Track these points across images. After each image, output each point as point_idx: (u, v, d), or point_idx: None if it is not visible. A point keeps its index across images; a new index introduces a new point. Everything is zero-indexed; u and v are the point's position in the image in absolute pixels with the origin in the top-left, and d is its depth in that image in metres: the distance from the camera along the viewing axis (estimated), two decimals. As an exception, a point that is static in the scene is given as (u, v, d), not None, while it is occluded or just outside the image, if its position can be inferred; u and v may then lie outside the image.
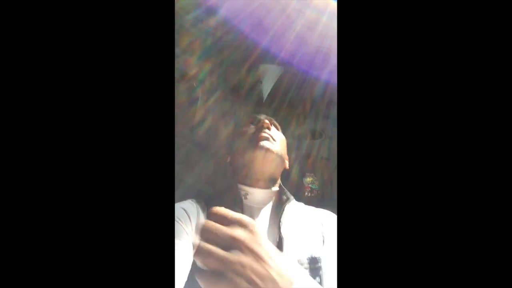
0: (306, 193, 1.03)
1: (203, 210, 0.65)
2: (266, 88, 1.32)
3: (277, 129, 0.79)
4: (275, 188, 0.74)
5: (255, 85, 1.11)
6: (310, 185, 1.04)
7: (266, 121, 0.74)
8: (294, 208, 0.72)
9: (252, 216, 0.67)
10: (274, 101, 1.13)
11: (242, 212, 0.64)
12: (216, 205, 0.64)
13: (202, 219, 0.63)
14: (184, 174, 0.85)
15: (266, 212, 0.70)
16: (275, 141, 0.73)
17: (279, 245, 0.61)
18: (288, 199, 0.71)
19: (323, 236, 0.67)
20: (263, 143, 0.70)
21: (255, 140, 0.71)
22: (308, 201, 0.83)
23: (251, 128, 0.75)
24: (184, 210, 0.63)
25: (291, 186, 0.98)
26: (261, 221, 0.67)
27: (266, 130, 0.73)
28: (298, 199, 0.80)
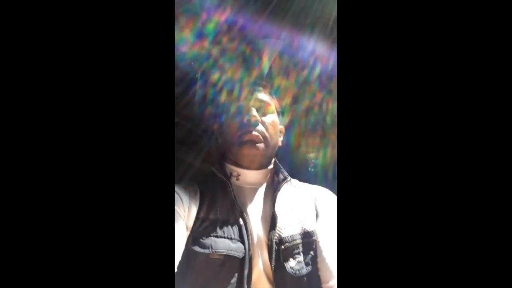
0: (309, 169, 1.04)
1: (196, 193, 0.66)
2: (266, 63, 1.28)
3: (268, 111, 0.73)
4: (270, 166, 0.74)
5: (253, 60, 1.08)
6: (313, 161, 1.04)
7: (254, 114, 0.68)
8: (289, 186, 0.72)
9: (245, 196, 0.67)
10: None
11: (234, 194, 0.65)
12: (209, 188, 0.66)
13: (195, 203, 0.64)
14: (183, 154, 0.85)
15: (260, 191, 0.70)
16: (265, 135, 0.69)
17: (273, 223, 0.63)
18: (285, 179, 0.71)
19: (316, 211, 0.69)
20: (251, 147, 0.67)
21: (243, 138, 0.68)
22: (311, 177, 0.84)
23: (241, 119, 0.69)
24: (177, 193, 0.64)
25: (294, 162, 0.98)
26: (255, 201, 0.68)
27: (256, 128, 0.68)
28: (302, 175, 0.80)
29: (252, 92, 0.72)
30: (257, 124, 0.68)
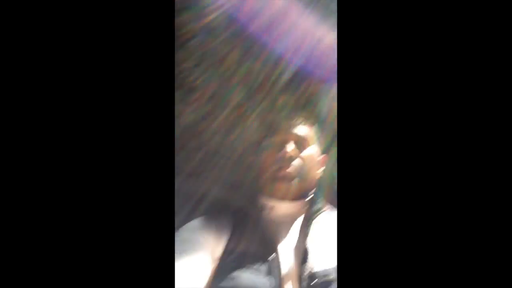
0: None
1: (228, 224, 0.64)
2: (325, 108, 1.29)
3: (307, 144, 0.71)
4: (308, 198, 0.69)
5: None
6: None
7: (288, 150, 0.66)
8: (327, 217, 0.66)
9: (278, 229, 0.64)
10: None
11: (263, 229, 0.62)
12: (241, 220, 0.64)
13: (226, 234, 0.63)
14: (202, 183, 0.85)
15: (296, 224, 0.66)
16: (301, 170, 0.67)
17: (304, 256, 0.57)
18: (319, 210, 0.66)
19: None
20: (285, 182, 0.66)
21: (277, 174, 0.66)
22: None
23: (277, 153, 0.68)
24: (210, 222, 0.64)
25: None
26: (290, 234, 0.64)
27: (291, 163, 0.66)
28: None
29: (290, 124, 0.72)
30: (293, 159, 0.66)
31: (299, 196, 0.67)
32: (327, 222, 0.65)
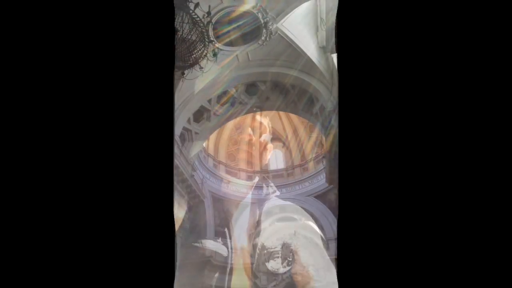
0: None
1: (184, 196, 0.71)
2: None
3: (262, 131, 0.79)
4: (256, 179, 0.81)
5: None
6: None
7: (250, 133, 0.76)
8: (276, 201, 0.79)
9: (231, 204, 0.75)
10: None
11: (223, 201, 0.73)
12: (197, 193, 0.72)
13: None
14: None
15: (246, 201, 0.77)
16: (256, 153, 0.77)
17: (257, 232, 0.72)
18: (274, 192, 0.78)
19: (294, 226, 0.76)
20: (242, 162, 0.75)
21: (236, 153, 0.76)
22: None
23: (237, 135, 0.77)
24: None
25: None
26: (240, 209, 0.75)
27: (249, 146, 0.76)
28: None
29: (251, 112, 0.78)
30: (251, 144, 0.76)
31: (251, 177, 0.79)
32: (275, 204, 0.78)
